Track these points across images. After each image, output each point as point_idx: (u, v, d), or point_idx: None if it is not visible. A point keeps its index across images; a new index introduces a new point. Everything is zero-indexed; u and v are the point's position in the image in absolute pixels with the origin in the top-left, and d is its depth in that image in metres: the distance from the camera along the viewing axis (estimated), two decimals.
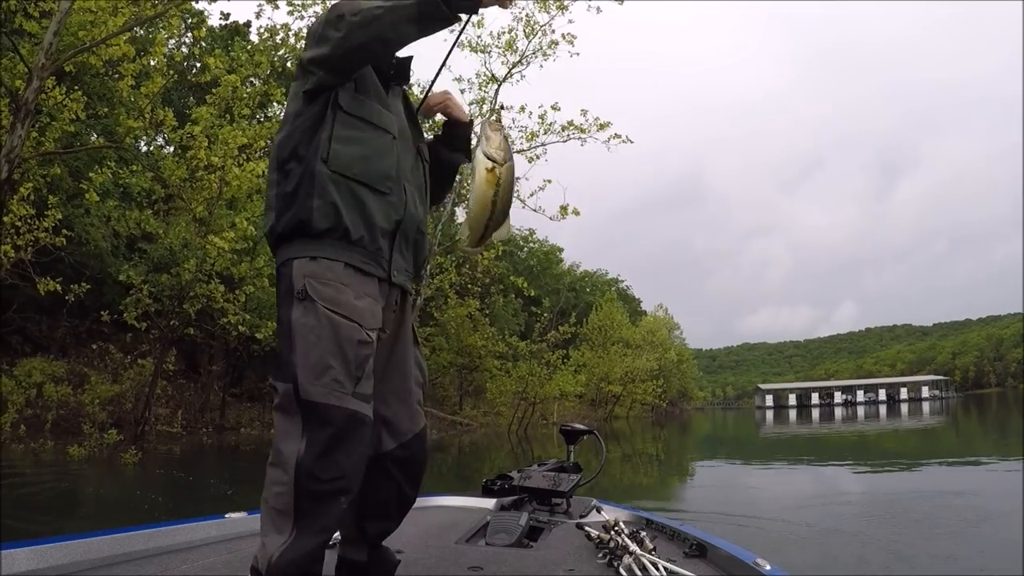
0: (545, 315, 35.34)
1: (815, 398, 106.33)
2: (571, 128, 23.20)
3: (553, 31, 23.10)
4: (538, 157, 23.76)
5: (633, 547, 2.64)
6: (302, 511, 1.90)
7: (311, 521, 1.90)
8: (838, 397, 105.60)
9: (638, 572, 2.48)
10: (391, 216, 2.16)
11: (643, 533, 2.86)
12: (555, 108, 23.38)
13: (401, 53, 2.27)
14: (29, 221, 14.55)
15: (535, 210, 23.69)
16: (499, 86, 23.62)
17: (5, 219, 13.71)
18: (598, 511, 3.88)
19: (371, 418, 2.04)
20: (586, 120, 23.18)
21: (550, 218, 23.50)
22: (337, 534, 2.43)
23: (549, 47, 23.06)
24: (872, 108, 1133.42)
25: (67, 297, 16.09)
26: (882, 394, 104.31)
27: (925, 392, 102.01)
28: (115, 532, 2.78)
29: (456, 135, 2.61)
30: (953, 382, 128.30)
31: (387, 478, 2.27)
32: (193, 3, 16.16)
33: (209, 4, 15.27)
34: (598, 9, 22.41)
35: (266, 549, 1.91)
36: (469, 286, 27.82)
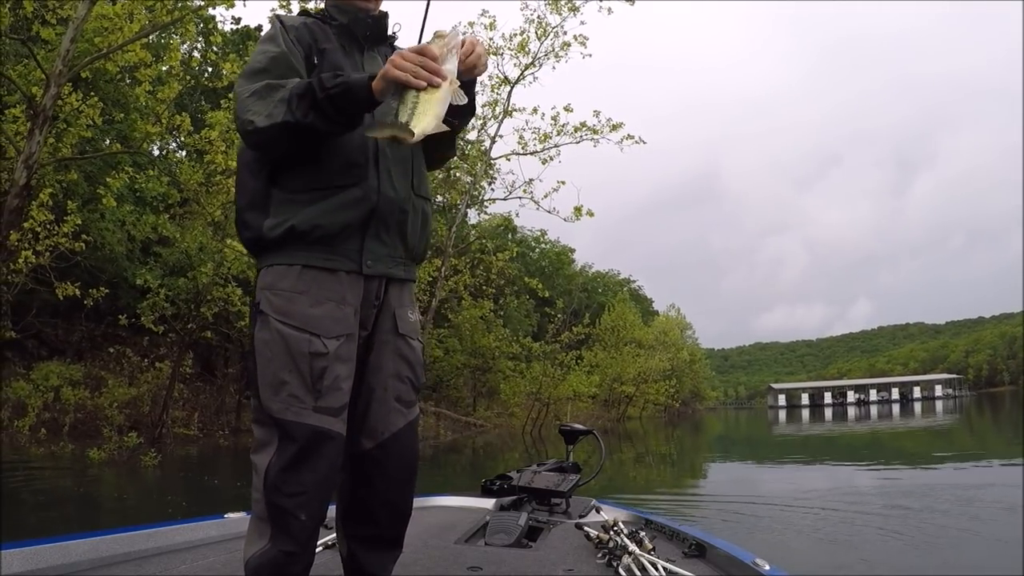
0: (558, 316, 35.31)
1: (828, 397, 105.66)
2: (584, 129, 23.22)
3: (565, 32, 23.12)
4: (552, 159, 23.79)
5: (632, 547, 2.66)
6: (273, 520, 1.91)
7: (280, 531, 1.90)
8: (851, 396, 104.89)
9: (637, 572, 2.49)
10: (361, 205, 2.00)
11: (642, 533, 2.88)
12: (568, 110, 23.40)
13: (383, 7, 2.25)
14: (48, 227, 14.64)
15: (549, 211, 23.72)
16: (512, 88, 23.64)
17: (25, 224, 13.81)
18: (597, 511, 3.91)
19: (338, 432, 1.97)
20: (599, 121, 23.19)
21: (564, 219, 23.54)
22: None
23: (561, 48, 23.07)
24: (885, 102, 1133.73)
25: (85, 301, 16.15)
26: (895, 393, 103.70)
27: (938, 391, 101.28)
28: (115, 532, 2.79)
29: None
30: (966, 380, 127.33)
31: (364, 479, 2.13)
32: (210, 10, 16.16)
33: (227, 9, 15.21)
34: (609, 10, 22.44)
35: (245, 552, 1.95)
36: (483, 287, 27.80)
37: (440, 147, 2.24)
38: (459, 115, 2.07)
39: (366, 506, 2.15)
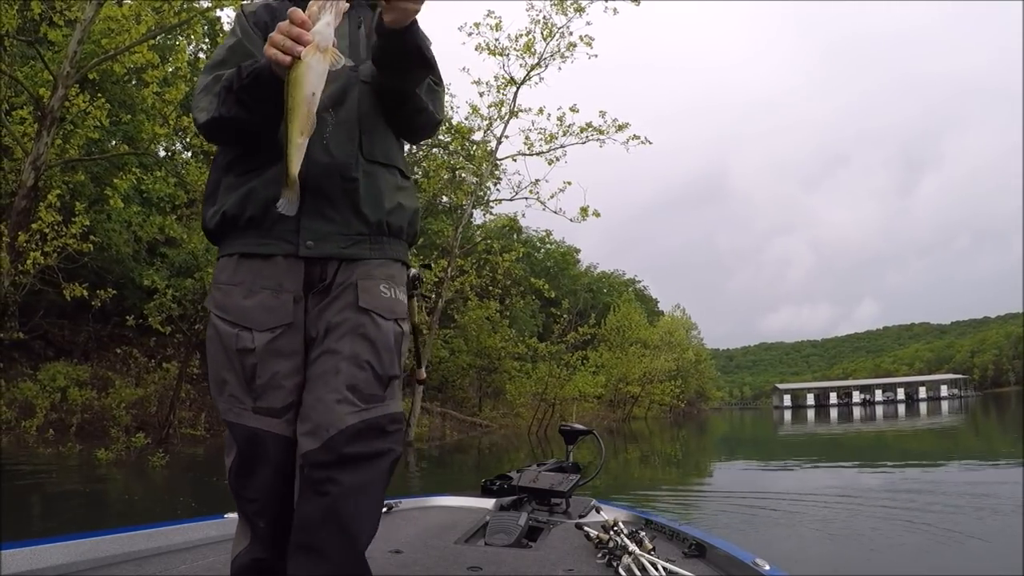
0: (564, 316, 35.33)
1: (833, 398, 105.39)
2: (590, 130, 23.21)
3: (571, 33, 23.11)
4: (557, 159, 23.79)
5: (632, 547, 2.66)
6: (247, 523, 1.87)
7: (254, 536, 1.85)
8: (856, 397, 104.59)
9: (637, 572, 2.49)
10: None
11: (642, 533, 2.88)
12: (574, 110, 23.41)
13: None
14: (56, 228, 14.68)
15: (555, 212, 23.74)
16: (517, 88, 23.63)
17: (33, 225, 13.85)
18: (597, 511, 3.91)
19: (280, 434, 1.78)
20: (604, 121, 23.19)
21: (570, 220, 23.57)
22: None
23: (567, 49, 23.05)
24: (891, 102, 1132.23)
25: (92, 302, 16.16)
26: (900, 393, 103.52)
27: (944, 391, 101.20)
28: (115, 532, 2.79)
29: (385, 45, 1.80)
30: (972, 381, 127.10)
31: (303, 487, 1.74)
32: (217, 11, 16.22)
33: (234, 10, 15.22)
34: (615, 10, 22.44)
35: (232, 551, 1.92)
36: (489, 288, 27.81)
37: (397, 112, 1.97)
38: (398, 65, 1.85)
39: (306, 524, 1.72)
